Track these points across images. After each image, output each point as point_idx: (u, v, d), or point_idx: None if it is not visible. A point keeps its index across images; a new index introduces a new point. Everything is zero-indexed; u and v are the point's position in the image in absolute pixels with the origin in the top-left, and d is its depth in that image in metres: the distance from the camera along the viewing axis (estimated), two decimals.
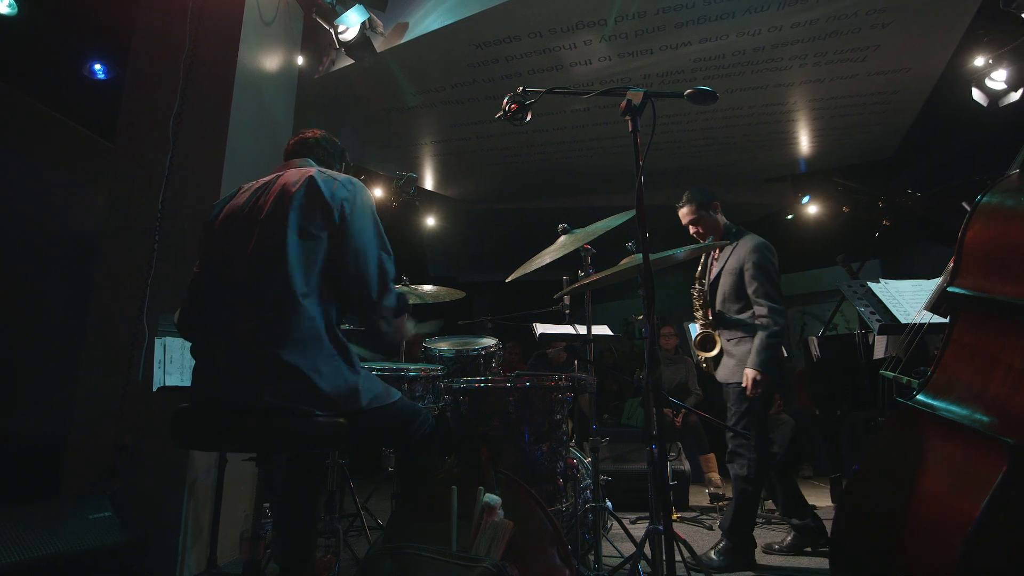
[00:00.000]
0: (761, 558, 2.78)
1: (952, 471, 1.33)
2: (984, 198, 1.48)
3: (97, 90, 4.01)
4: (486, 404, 2.07)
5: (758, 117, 5.06)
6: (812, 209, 6.22)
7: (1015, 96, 3.90)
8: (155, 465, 2.62)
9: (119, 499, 2.34)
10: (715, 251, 2.97)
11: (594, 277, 2.15)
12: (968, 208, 3.38)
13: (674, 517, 3.75)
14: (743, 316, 2.80)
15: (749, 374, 2.63)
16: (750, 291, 2.76)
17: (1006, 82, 3.89)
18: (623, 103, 1.75)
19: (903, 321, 2.31)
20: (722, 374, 2.87)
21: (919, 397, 1.49)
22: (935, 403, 1.45)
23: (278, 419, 1.60)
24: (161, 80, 2.99)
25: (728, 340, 2.86)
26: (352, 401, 1.69)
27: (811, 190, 6.19)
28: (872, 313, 2.40)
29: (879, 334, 2.34)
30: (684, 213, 2.96)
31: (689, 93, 1.68)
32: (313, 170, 1.80)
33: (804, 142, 5.71)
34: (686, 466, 4.20)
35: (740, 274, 2.80)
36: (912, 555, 1.32)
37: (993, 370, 1.37)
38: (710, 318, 2.93)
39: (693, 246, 2.09)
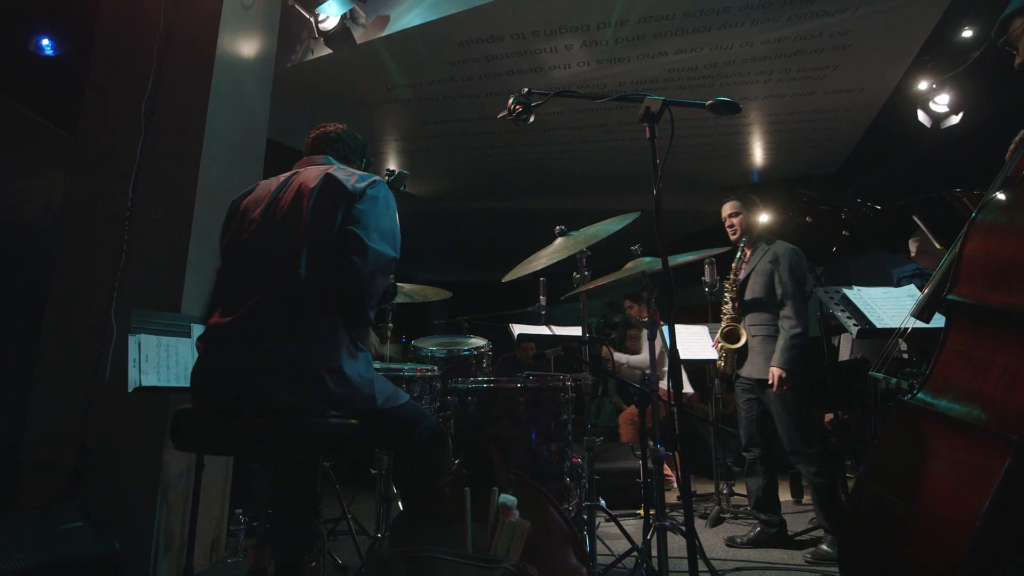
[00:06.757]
0: (738, 553, 2.89)
1: (956, 467, 1.42)
2: (978, 215, 1.60)
3: (47, 71, 3.71)
4: (495, 404, 2.06)
5: (721, 128, 5.27)
6: (763, 218, 6.52)
7: (955, 119, 4.25)
8: (125, 469, 2.46)
9: (90, 507, 2.17)
10: (745, 252, 3.16)
11: (599, 282, 2.18)
12: (919, 221, 3.61)
13: (644, 513, 3.83)
14: (769, 316, 2.97)
15: (775, 372, 2.80)
16: (778, 292, 2.94)
17: (948, 106, 4.23)
18: (641, 110, 1.80)
19: (878, 326, 2.48)
20: (747, 370, 3.01)
21: (919, 396, 1.60)
22: (935, 401, 1.56)
23: (292, 420, 1.54)
24: (131, 63, 2.82)
25: (754, 336, 3.00)
26: (366, 402, 1.65)
27: (762, 200, 6.50)
28: (849, 318, 2.55)
29: (857, 337, 2.49)
30: (728, 206, 3.21)
31: (711, 104, 1.73)
32: (332, 167, 1.80)
33: (759, 154, 6.00)
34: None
35: (770, 276, 2.99)
36: (921, 551, 1.39)
37: (988, 372, 1.49)
38: (735, 311, 3.08)
39: (698, 251, 2.15)
